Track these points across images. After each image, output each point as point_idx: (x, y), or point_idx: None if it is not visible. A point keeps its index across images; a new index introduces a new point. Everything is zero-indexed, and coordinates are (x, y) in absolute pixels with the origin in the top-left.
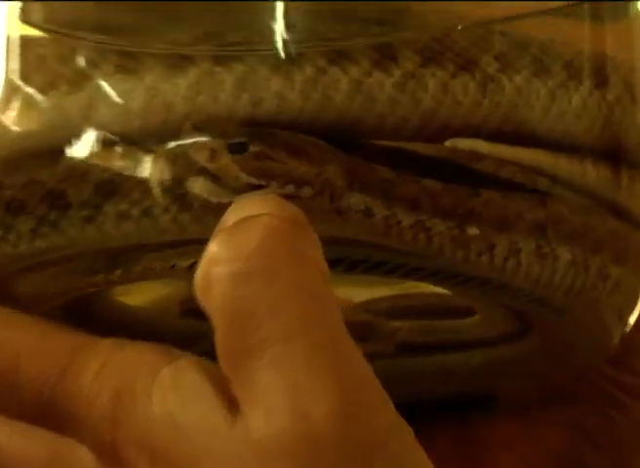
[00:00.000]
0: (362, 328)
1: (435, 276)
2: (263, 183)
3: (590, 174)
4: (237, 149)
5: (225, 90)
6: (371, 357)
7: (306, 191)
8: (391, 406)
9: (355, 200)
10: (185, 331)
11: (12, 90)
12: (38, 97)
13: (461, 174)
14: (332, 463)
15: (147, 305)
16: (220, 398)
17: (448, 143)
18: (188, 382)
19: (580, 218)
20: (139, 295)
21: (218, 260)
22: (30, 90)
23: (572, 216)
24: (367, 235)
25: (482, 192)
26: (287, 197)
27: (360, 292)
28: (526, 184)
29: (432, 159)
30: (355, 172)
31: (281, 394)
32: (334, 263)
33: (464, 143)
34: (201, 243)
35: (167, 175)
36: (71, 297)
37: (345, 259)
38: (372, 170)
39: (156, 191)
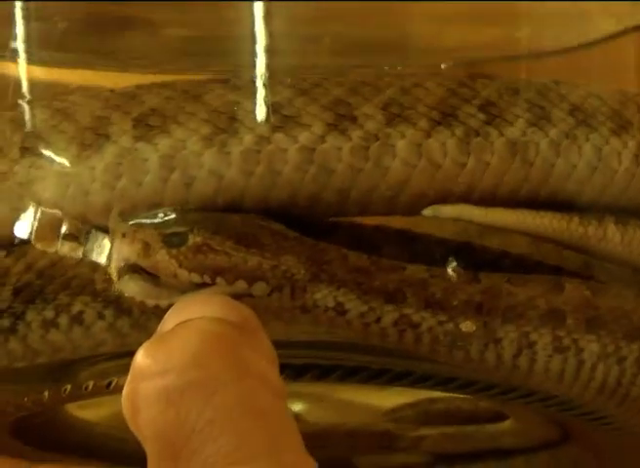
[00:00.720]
0: (383, 437)
1: (439, 384)
2: (208, 281)
3: (613, 237)
4: (174, 241)
5: (150, 170)
6: None
7: (260, 288)
8: None
9: (323, 295)
10: None
11: None
12: None
13: (457, 252)
14: None
15: (107, 420)
16: None
17: (426, 211)
18: None
19: (609, 300)
20: (97, 409)
21: (146, 374)
22: None
23: (596, 299)
24: (342, 335)
25: (482, 277)
26: (238, 296)
27: (384, 396)
28: (541, 261)
29: (416, 236)
30: (321, 260)
31: None
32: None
33: (447, 210)
34: None
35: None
36: (20, 415)
37: (333, 368)
38: (342, 257)
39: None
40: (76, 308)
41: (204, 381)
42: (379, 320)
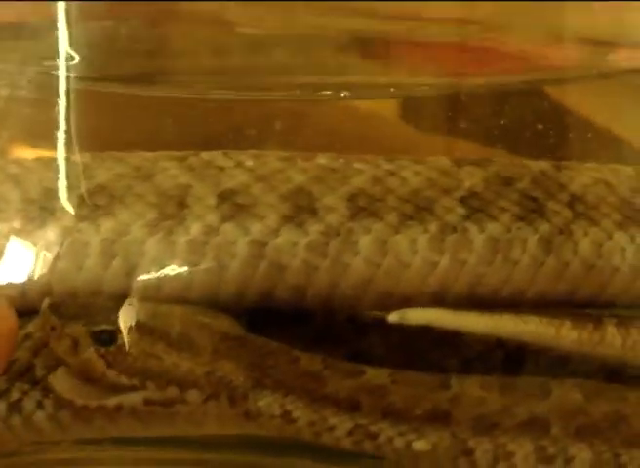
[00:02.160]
0: None
1: None
2: (137, 385)
3: (613, 341)
4: (103, 339)
5: (91, 254)
6: None
7: (194, 395)
8: None
9: (267, 402)
10: None
11: None
12: None
13: (424, 350)
14: None
15: None
16: None
17: (392, 317)
18: None
19: (601, 404)
20: None
21: None
22: None
23: (587, 404)
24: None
25: (452, 383)
26: (169, 402)
27: None
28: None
29: (382, 330)
30: (265, 364)
31: None
32: None
33: (415, 315)
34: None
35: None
36: None
37: None
38: (291, 360)
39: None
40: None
41: None
42: (331, 429)
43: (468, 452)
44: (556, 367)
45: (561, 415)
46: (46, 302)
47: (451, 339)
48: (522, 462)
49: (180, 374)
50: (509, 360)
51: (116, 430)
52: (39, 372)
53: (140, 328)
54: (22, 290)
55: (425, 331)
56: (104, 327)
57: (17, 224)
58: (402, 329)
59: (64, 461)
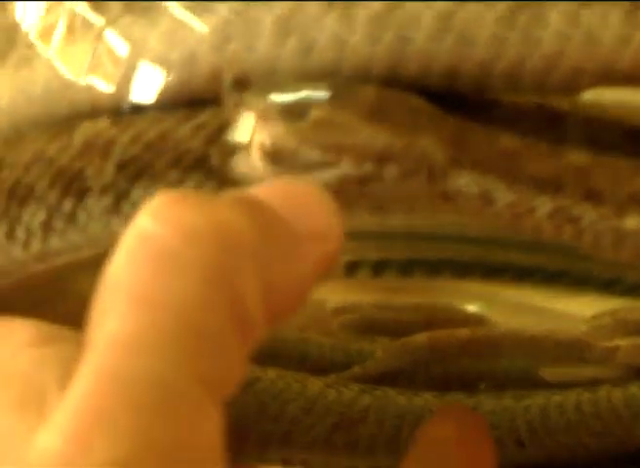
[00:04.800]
0: (573, 347)
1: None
2: (332, 160)
3: None
4: (294, 114)
5: (263, 34)
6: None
7: (392, 170)
8: None
9: (466, 181)
10: None
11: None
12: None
13: (621, 139)
14: None
15: None
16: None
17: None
18: None
19: None
20: None
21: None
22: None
23: None
24: (489, 229)
25: None
26: (365, 179)
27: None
28: None
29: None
30: (466, 142)
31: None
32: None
33: (613, 95)
34: None
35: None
36: None
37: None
38: (490, 138)
39: None
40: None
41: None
42: (532, 211)
43: None
44: None
45: None
46: (228, 78)
47: None
48: None
49: (378, 147)
50: None
51: None
52: (215, 162)
53: (333, 99)
54: (188, 75)
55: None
56: (296, 99)
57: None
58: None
59: None
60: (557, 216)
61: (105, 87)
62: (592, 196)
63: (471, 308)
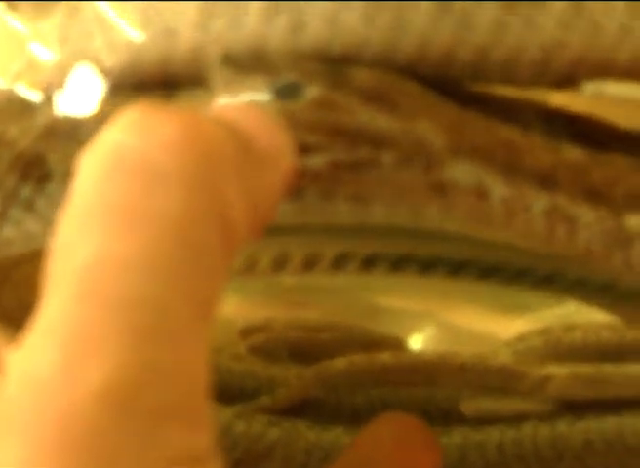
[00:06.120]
0: (502, 374)
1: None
2: (324, 144)
3: None
4: (286, 93)
5: (250, 12)
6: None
7: (388, 156)
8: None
9: (462, 171)
10: None
11: None
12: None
13: (619, 137)
14: None
15: None
16: None
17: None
18: None
19: None
20: None
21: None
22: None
23: None
24: (478, 225)
25: None
26: (358, 164)
27: (504, 323)
28: None
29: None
30: (465, 128)
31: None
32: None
33: (614, 88)
34: None
35: None
36: None
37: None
38: (490, 127)
39: None
40: None
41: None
42: (527, 208)
43: None
44: None
45: None
46: (217, 55)
47: None
48: None
49: (376, 131)
50: None
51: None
52: None
53: (330, 79)
54: (167, 55)
55: None
56: (289, 79)
57: None
58: None
59: None
60: (552, 215)
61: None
62: (589, 195)
63: (397, 327)
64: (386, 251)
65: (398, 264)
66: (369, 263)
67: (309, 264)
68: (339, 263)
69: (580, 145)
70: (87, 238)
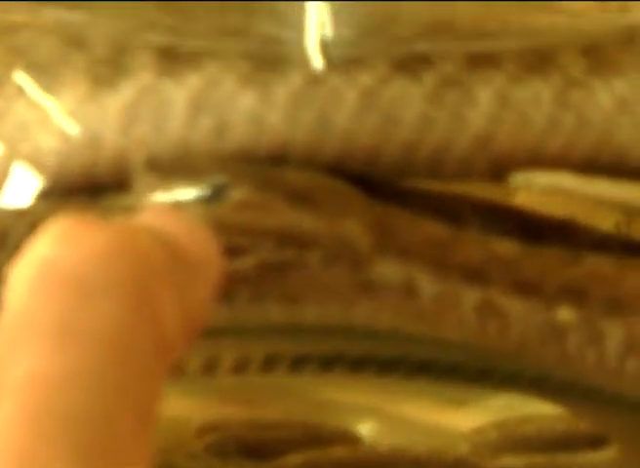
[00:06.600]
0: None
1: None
2: (250, 245)
3: None
4: (213, 196)
5: (175, 110)
6: None
7: (314, 256)
8: None
9: (391, 269)
10: None
11: None
12: None
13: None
14: None
15: None
16: None
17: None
18: None
19: None
20: None
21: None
22: None
23: None
24: (408, 322)
25: (584, 258)
26: (285, 265)
27: (449, 415)
28: None
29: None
30: (391, 227)
31: None
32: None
33: (543, 178)
34: None
35: None
36: None
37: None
38: (416, 225)
39: None
40: None
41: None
42: (457, 304)
43: (598, 339)
44: None
45: None
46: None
47: None
48: None
49: (302, 231)
50: None
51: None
52: None
53: (253, 181)
54: (93, 160)
55: None
56: (213, 181)
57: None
58: None
59: None
60: (484, 310)
61: None
62: (521, 288)
63: (349, 421)
64: (316, 350)
65: (327, 365)
66: (298, 364)
67: (239, 367)
68: (268, 365)
69: (515, 237)
70: (19, 356)
